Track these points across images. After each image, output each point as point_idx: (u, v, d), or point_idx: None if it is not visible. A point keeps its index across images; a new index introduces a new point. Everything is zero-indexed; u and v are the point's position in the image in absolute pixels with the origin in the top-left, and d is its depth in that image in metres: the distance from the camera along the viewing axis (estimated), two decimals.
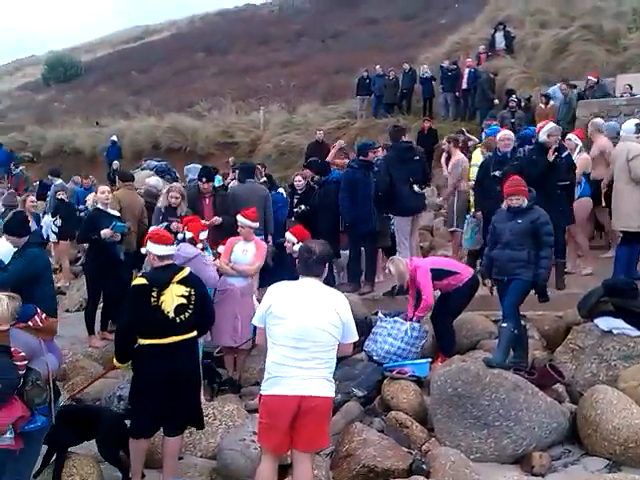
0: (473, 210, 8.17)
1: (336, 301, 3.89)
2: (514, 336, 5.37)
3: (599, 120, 8.85)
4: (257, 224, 6.49)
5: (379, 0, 32.82)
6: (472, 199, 8.22)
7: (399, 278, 6.33)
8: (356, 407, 5.38)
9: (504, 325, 5.41)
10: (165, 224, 6.78)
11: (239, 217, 6.31)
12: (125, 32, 44.24)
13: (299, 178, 8.85)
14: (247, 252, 6.23)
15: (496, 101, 15.88)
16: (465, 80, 16.98)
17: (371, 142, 9.58)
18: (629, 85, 14.05)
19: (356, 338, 4.01)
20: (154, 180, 8.52)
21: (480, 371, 5.03)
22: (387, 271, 6.57)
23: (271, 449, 3.90)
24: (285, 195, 9.62)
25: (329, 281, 5.61)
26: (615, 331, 5.59)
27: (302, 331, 3.75)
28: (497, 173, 7.29)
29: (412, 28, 27.20)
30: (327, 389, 3.83)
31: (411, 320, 6.15)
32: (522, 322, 5.74)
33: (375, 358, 6.05)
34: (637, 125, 6.96)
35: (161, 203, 7.41)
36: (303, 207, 8.50)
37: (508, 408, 4.82)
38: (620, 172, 6.87)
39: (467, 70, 16.95)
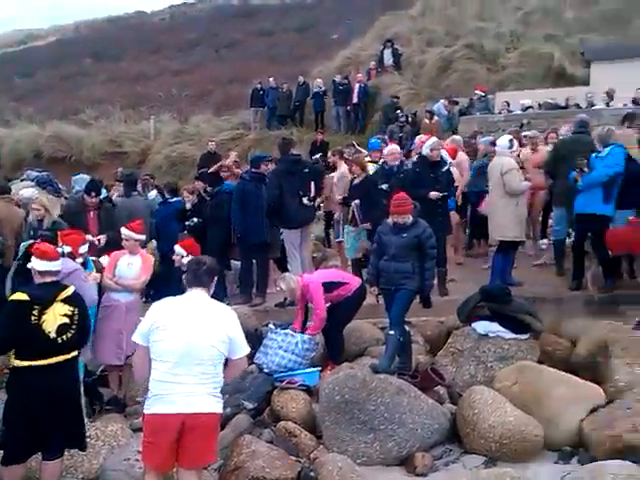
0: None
1: (223, 315, 3.88)
2: (400, 343, 5.59)
3: (458, 137, 9.73)
4: (143, 237, 6.35)
5: (274, 12, 33.15)
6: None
7: (290, 295, 6.41)
8: (245, 419, 5.38)
9: (391, 332, 5.60)
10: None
11: (123, 230, 6.14)
12: (6, 36, 41.93)
13: (186, 194, 8.67)
14: (132, 266, 6.07)
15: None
16: (356, 94, 17.52)
17: (264, 154, 9.63)
18: (507, 102, 15.01)
19: (247, 351, 3.96)
20: (29, 192, 8.04)
21: (367, 377, 5.17)
22: (278, 288, 6.60)
23: (155, 467, 3.83)
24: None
25: (219, 293, 5.58)
26: (491, 334, 5.93)
27: (185, 347, 3.71)
28: (384, 186, 7.53)
29: (305, 41, 27.63)
30: (213, 405, 3.79)
31: (302, 333, 6.24)
32: (406, 328, 5.97)
33: (265, 371, 6.07)
34: (511, 141, 7.43)
35: (32, 217, 7.09)
36: (195, 220, 8.38)
37: (393, 412, 4.98)
38: (495, 186, 7.32)
39: (357, 85, 17.51)
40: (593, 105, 14.01)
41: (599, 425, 4.64)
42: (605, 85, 14.22)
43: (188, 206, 8.50)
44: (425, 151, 7.50)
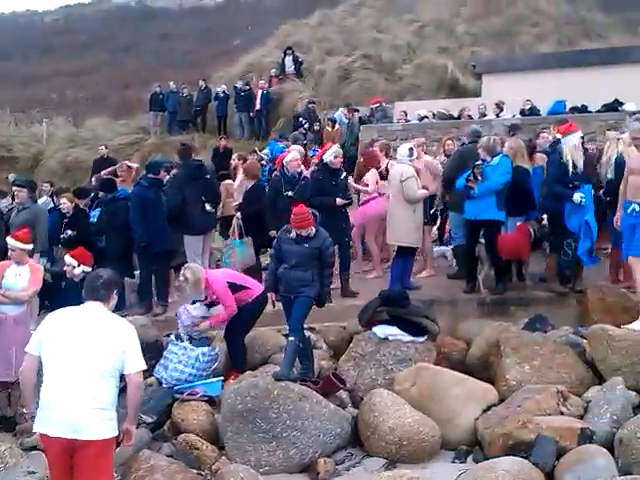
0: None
1: (117, 328, 3.73)
2: (300, 349, 5.61)
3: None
4: (30, 246, 6.01)
5: (174, 15, 32.55)
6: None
7: (195, 285, 6.15)
8: (145, 434, 5.21)
9: (291, 339, 5.61)
10: None
11: (9, 239, 5.82)
12: None
13: (64, 201, 8.29)
14: (20, 277, 5.74)
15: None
16: (258, 101, 17.51)
17: (163, 160, 9.41)
18: (404, 112, 15.45)
19: (142, 367, 3.79)
20: None
21: (269, 385, 5.16)
22: (182, 278, 6.35)
23: None
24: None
25: (118, 303, 5.37)
26: (391, 337, 6.07)
27: (75, 360, 3.54)
28: (290, 193, 7.56)
29: (206, 46, 27.33)
30: (104, 430, 3.58)
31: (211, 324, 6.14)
32: (307, 334, 6.01)
33: (165, 385, 5.90)
34: (410, 149, 7.66)
35: None
36: (69, 232, 8.00)
37: (295, 418, 4.99)
38: (395, 192, 7.53)
39: (260, 91, 17.53)
40: (485, 116, 14.70)
41: (492, 423, 4.84)
42: (495, 97, 14.94)
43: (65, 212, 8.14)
44: (328, 158, 7.60)
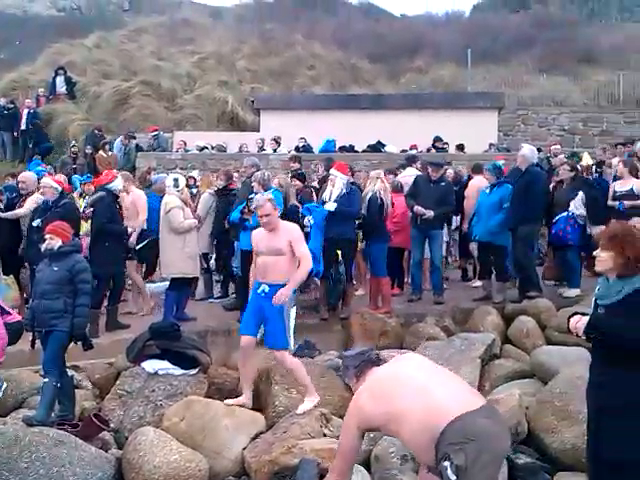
0: None
1: None
2: (57, 390, 5.15)
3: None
4: None
5: None
6: None
7: None
8: None
9: (46, 380, 5.14)
10: None
11: None
12: None
13: None
14: None
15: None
16: (24, 121, 16.22)
17: None
18: (184, 141, 15.39)
19: None
20: None
21: (19, 432, 4.66)
22: None
23: None
24: None
25: None
26: (161, 372, 5.86)
27: None
28: (34, 223, 7.08)
29: None
30: None
31: None
32: (70, 373, 5.57)
33: None
34: (175, 180, 7.60)
35: None
36: None
37: (50, 466, 4.55)
38: (163, 223, 7.41)
39: (26, 111, 16.27)
40: (263, 150, 15.19)
41: (259, 451, 4.88)
42: (273, 132, 15.54)
43: None
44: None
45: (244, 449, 5.03)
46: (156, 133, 15.29)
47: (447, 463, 2.97)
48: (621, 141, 12.85)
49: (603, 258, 3.41)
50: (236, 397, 5.62)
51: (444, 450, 3.01)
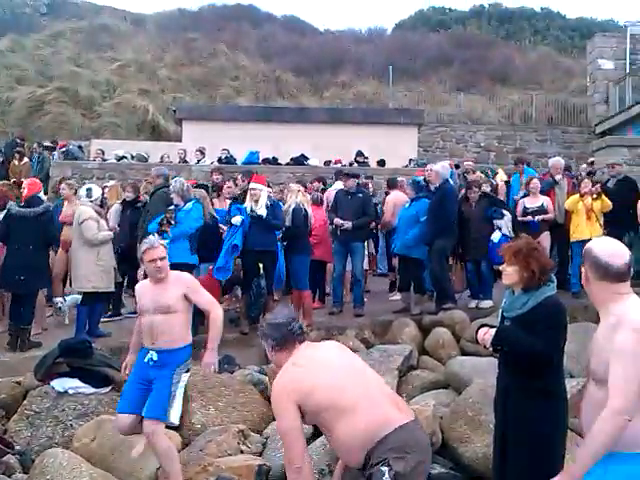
0: None
1: None
2: None
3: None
4: None
5: None
6: None
7: None
8: None
9: None
10: None
11: None
12: None
13: None
14: None
15: None
16: None
17: None
18: (101, 150, 14.95)
19: None
20: None
21: None
22: None
23: None
24: None
25: None
26: (71, 391, 5.62)
27: None
28: None
29: None
30: None
31: None
32: None
33: None
34: (89, 190, 7.38)
35: None
36: None
37: None
38: (75, 234, 7.16)
39: None
40: (185, 161, 14.96)
41: None
42: (196, 143, 15.34)
43: None
44: None
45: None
46: (64, 149, 14.75)
47: (385, 468, 2.96)
48: (532, 158, 13.48)
49: (509, 272, 3.54)
50: None
51: (383, 456, 3.00)
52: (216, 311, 4.55)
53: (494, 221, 8.05)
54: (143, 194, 8.93)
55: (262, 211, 7.21)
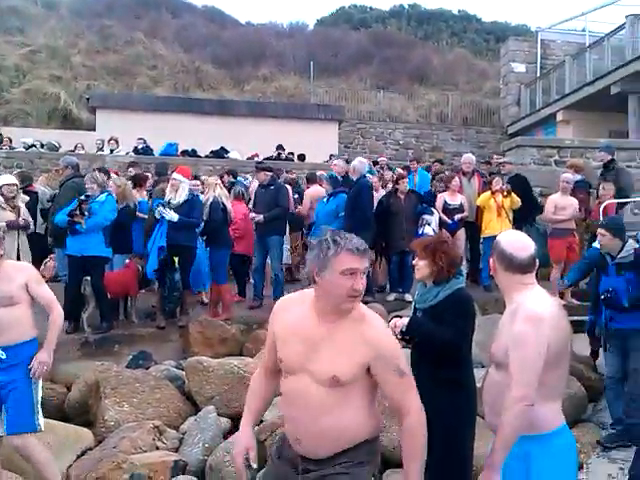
0: None
1: None
2: None
3: None
4: None
5: None
6: None
7: None
8: None
9: None
10: None
11: None
12: None
13: None
14: None
15: None
16: None
17: None
18: (9, 138, 14.27)
19: None
20: None
21: None
22: None
23: None
24: None
25: None
26: None
27: None
28: None
29: None
30: None
31: None
32: None
33: None
34: None
35: None
36: None
37: None
38: None
39: None
40: (101, 150, 14.48)
41: (85, 469, 4.58)
42: (110, 132, 14.87)
43: None
44: None
45: (69, 467, 4.73)
46: None
47: None
48: (448, 156, 13.93)
49: (420, 266, 3.66)
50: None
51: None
52: (57, 311, 4.19)
53: (424, 216, 8.30)
54: (46, 184, 8.62)
55: (173, 217, 7.06)
